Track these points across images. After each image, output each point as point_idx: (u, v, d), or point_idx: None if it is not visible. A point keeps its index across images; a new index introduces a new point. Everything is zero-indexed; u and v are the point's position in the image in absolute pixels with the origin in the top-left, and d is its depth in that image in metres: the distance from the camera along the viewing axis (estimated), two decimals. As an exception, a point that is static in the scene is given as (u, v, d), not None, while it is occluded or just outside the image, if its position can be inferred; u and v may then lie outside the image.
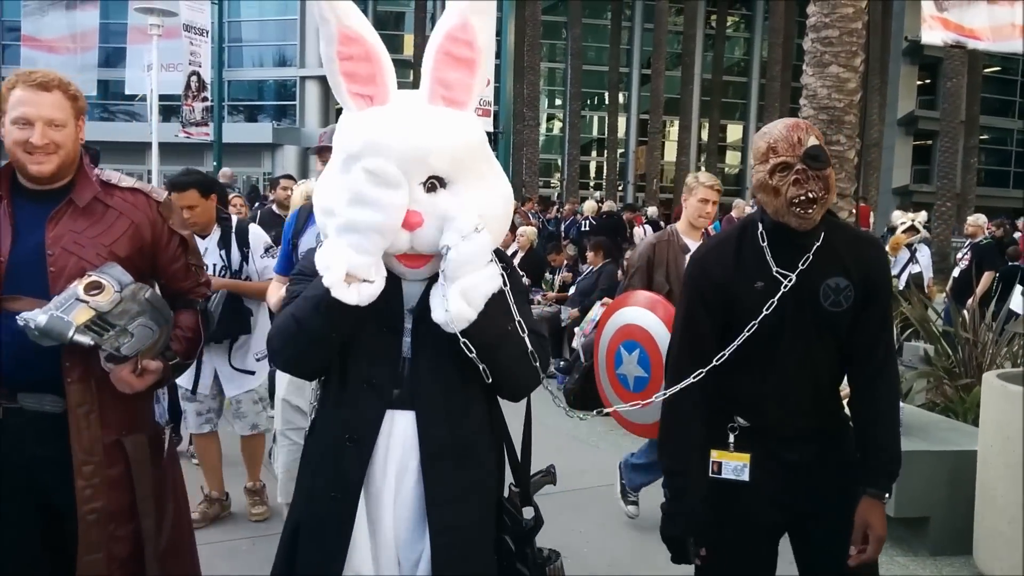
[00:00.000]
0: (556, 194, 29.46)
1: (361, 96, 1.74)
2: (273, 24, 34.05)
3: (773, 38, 29.19)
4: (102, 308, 1.84)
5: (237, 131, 28.56)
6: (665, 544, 2.18)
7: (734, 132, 38.85)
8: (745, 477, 2.09)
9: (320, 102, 32.80)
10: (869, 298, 2.06)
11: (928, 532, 3.91)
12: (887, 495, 2.08)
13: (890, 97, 31.42)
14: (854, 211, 6.77)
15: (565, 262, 9.97)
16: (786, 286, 2.01)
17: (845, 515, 2.05)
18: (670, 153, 34.13)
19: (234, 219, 4.14)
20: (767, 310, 2.02)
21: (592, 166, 37.69)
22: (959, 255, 9.61)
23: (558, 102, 36.66)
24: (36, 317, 1.81)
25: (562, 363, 7.54)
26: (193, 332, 2.24)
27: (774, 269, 2.03)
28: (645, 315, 3.16)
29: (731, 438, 2.11)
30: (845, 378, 2.19)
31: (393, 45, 36.43)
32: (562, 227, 14.22)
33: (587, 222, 13.67)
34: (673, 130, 34.18)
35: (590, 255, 8.08)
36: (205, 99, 14.76)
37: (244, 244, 4.03)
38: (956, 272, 8.47)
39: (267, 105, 35.06)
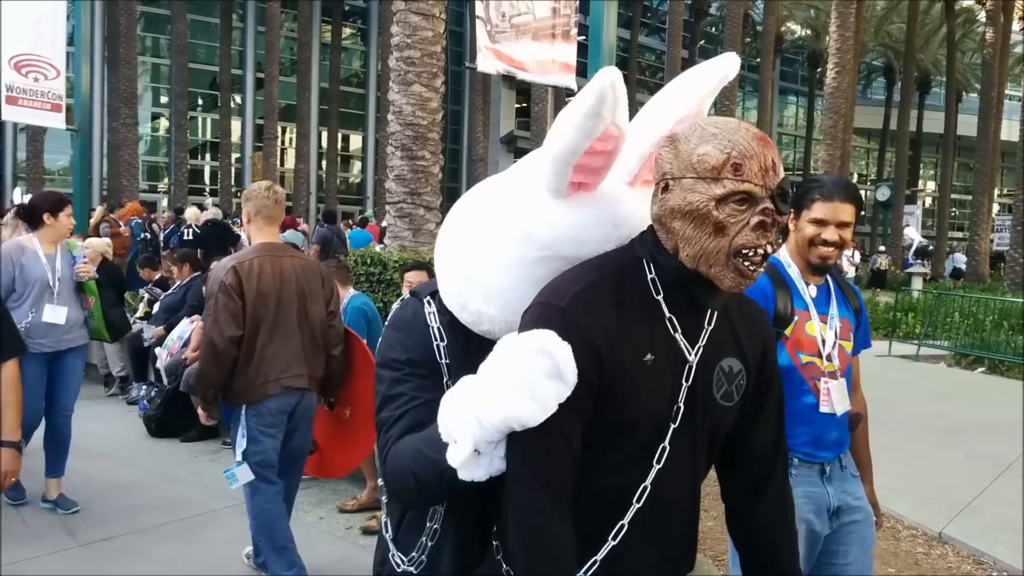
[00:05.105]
0: (166, 199, 27.24)
1: (573, 183, 1.40)
2: None
3: (386, 53, 30.15)
4: None
5: None
6: None
7: (356, 142, 39.42)
8: None
9: None
10: (763, 388, 1.50)
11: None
12: None
13: (493, 117, 34.31)
14: (437, 226, 7.15)
15: (159, 275, 9.14)
16: (692, 364, 1.39)
17: None
18: (290, 160, 33.51)
19: None
20: (681, 402, 1.37)
21: (206, 171, 35.57)
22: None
23: (165, 100, 33.99)
24: None
25: (144, 387, 6.88)
26: None
27: (679, 337, 1.37)
28: None
29: None
30: None
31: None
32: (161, 237, 13.09)
33: (190, 231, 12.75)
34: (292, 137, 33.64)
35: (175, 270, 7.47)
36: None
37: None
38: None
39: None
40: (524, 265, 1.39)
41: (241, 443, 3.50)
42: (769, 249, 1.29)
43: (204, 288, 6.89)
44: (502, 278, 1.40)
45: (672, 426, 1.38)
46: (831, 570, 2.40)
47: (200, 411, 3.68)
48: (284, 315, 3.56)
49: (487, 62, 4.96)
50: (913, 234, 26.72)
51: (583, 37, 6.32)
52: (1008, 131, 29.62)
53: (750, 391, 1.48)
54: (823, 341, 2.34)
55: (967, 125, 32.05)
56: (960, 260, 27.23)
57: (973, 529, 4.70)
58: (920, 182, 45.20)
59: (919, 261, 22.61)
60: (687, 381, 1.38)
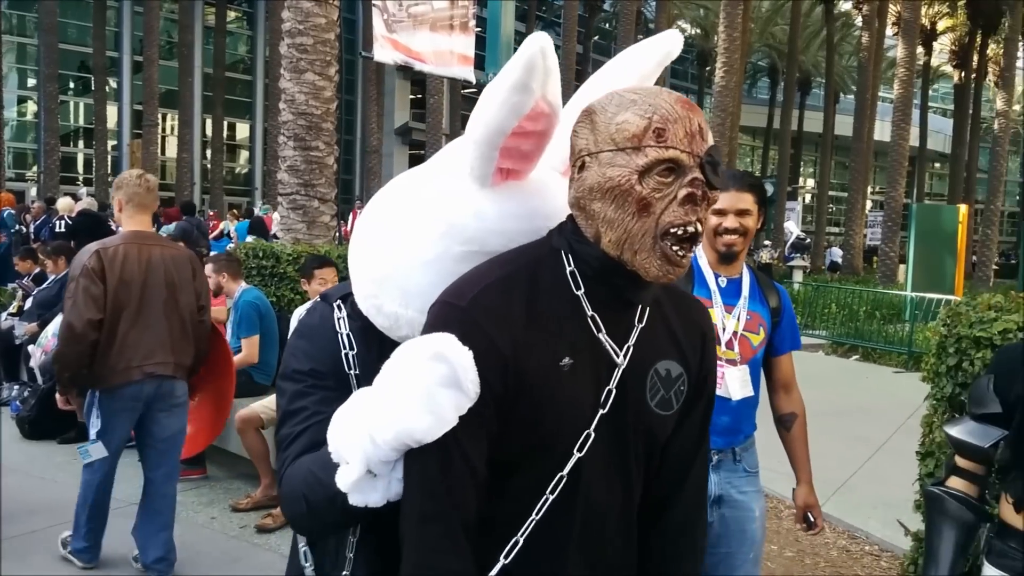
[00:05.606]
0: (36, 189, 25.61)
1: (501, 170, 1.25)
2: None
3: (275, 39, 29.25)
4: None
5: None
6: None
7: (243, 131, 38.14)
8: None
9: None
10: (699, 387, 1.34)
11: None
12: None
13: (387, 108, 33.86)
14: (332, 219, 6.99)
15: (37, 270, 8.56)
16: (621, 367, 1.23)
17: None
18: (171, 149, 32.10)
19: None
20: (603, 408, 1.21)
21: (80, 159, 33.63)
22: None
23: (32, 83, 31.89)
24: None
25: (16, 387, 6.44)
26: None
27: (603, 337, 1.21)
28: None
29: None
30: None
31: None
32: (31, 228, 12.29)
33: (63, 222, 12.01)
34: (173, 124, 32.23)
35: (49, 263, 7.02)
36: None
37: None
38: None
39: None
40: (446, 262, 1.22)
41: (96, 423, 3.57)
42: (699, 227, 1.13)
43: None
44: (421, 276, 1.23)
45: (591, 436, 1.20)
46: (712, 559, 2.35)
47: (58, 396, 3.67)
48: (149, 303, 3.57)
49: (384, 52, 4.86)
50: (792, 227, 27.99)
51: (480, 29, 6.30)
52: (880, 131, 31.34)
53: (688, 398, 1.32)
54: (723, 328, 2.39)
55: (844, 125, 33.78)
56: (837, 254, 28.72)
57: (848, 507, 4.97)
58: (800, 179, 47.48)
59: (797, 254, 23.74)
60: (613, 385, 1.22)
